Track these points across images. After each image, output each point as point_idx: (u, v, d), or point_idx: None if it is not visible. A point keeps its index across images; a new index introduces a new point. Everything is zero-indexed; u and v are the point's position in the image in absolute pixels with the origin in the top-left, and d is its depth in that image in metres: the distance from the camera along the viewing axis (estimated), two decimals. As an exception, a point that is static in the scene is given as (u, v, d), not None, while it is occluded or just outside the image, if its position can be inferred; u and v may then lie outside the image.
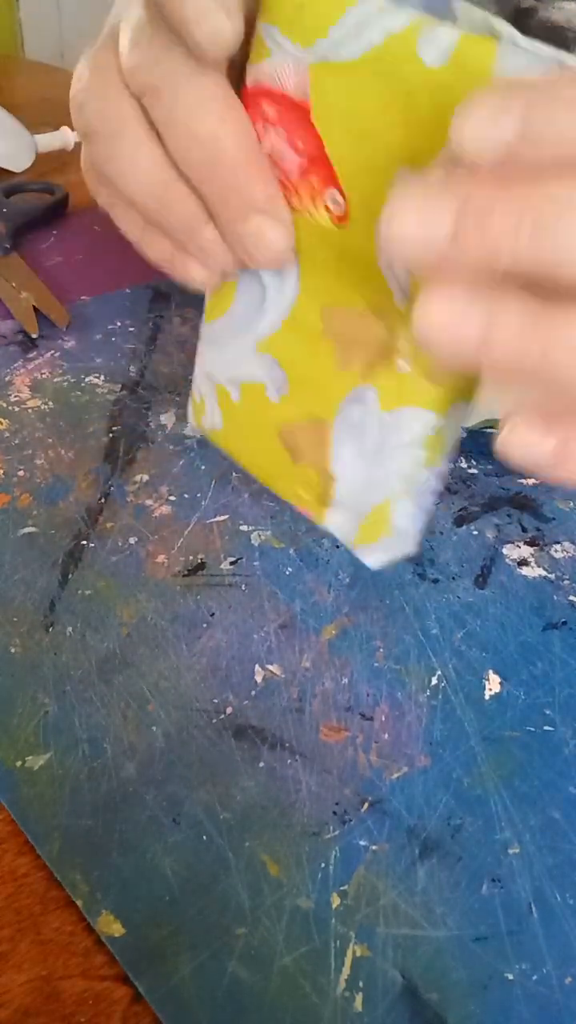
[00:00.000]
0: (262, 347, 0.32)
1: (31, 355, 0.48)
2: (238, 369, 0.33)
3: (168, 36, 0.27)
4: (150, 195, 0.29)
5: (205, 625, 0.35)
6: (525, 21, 0.47)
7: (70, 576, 0.36)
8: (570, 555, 0.39)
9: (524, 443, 0.23)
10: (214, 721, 0.31)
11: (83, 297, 0.54)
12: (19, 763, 0.30)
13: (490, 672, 0.34)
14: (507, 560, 0.38)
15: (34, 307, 0.51)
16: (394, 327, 0.29)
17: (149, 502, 0.40)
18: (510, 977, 0.25)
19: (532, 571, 0.38)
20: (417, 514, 0.32)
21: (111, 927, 0.26)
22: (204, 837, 0.28)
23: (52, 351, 0.49)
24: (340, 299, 0.30)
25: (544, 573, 0.38)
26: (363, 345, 0.30)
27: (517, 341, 0.21)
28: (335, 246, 0.29)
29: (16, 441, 0.43)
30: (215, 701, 0.32)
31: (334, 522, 0.34)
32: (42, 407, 0.45)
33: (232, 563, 0.37)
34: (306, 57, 0.27)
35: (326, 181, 0.28)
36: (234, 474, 0.41)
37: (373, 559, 0.34)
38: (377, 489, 0.32)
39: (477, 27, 0.24)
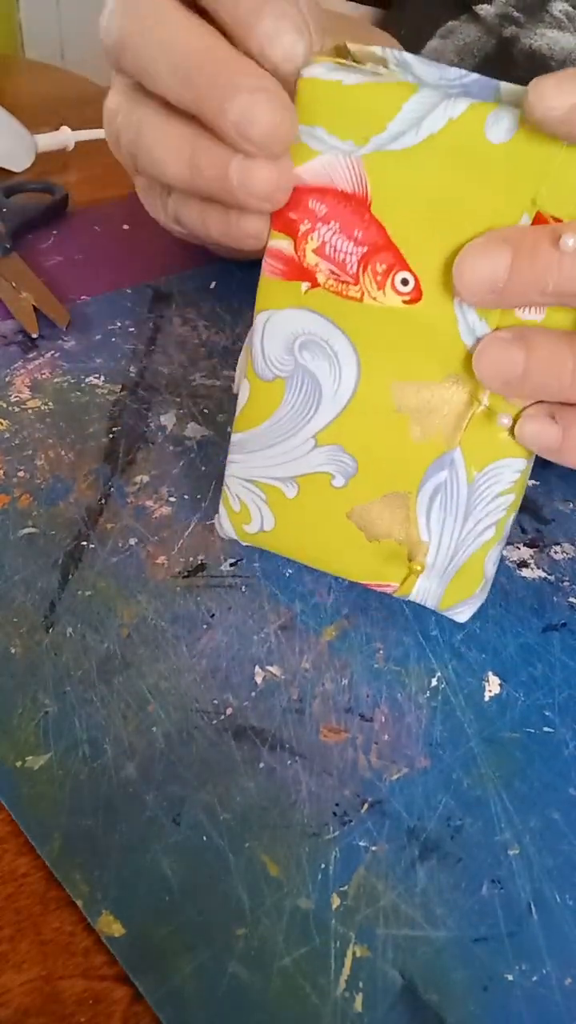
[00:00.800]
0: (324, 439, 0.32)
1: (31, 355, 0.48)
2: (293, 466, 0.33)
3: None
4: (182, 160, 0.29)
5: (205, 626, 0.35)
6: (509, 49, 0.48)
7: (70, 577, 0.36)
8: (570, 556, 0.39)
9: (536, 430, 0.29)
10: (214, 722, 0.31)
11: (83, 297, 0.54)
12: (19, 763, 0.30)
13: (490, 674, 0.34)
14: (507, 562, 0.38)
15: (34, 307, 0.51)
16: (479, 393, 0.30)
17: (149, 503, 0.40)
18: (510, 978, 0.26)
19: (532, 573, 0.38)
20: (499, 557, 0.33)
21: (111, 927, 0.26)
22: (204, 837, 0.28)
23: (52, 351, 0.49)
24: (411, 373, 0.30)
25: (544, 575, 0.38)
26: (443, 414, 0.30)
27: (547, 364, 0.28)
28: (402, 324, 0.29)
29: (16, 442, 0.43)
30: (215, 702, 0.32)
31: (422, 590, 0.34)
32: (42, 407, 0.45)
33: (232, 564, 0.37)
34: (358, 151, 0.27)
35: (393, 266, 0.28)
36: (234, 475, 0.41)
37: (463, 614, 0.34)
38: (469, 544, 0.32)
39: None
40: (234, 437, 0.34)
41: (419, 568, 0.33)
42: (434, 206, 0.27)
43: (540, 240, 0.26)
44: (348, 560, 0.34)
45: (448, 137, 0.26)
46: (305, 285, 0.30)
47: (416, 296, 0.29)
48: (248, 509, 0.35)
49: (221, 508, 0.36)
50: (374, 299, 0.29)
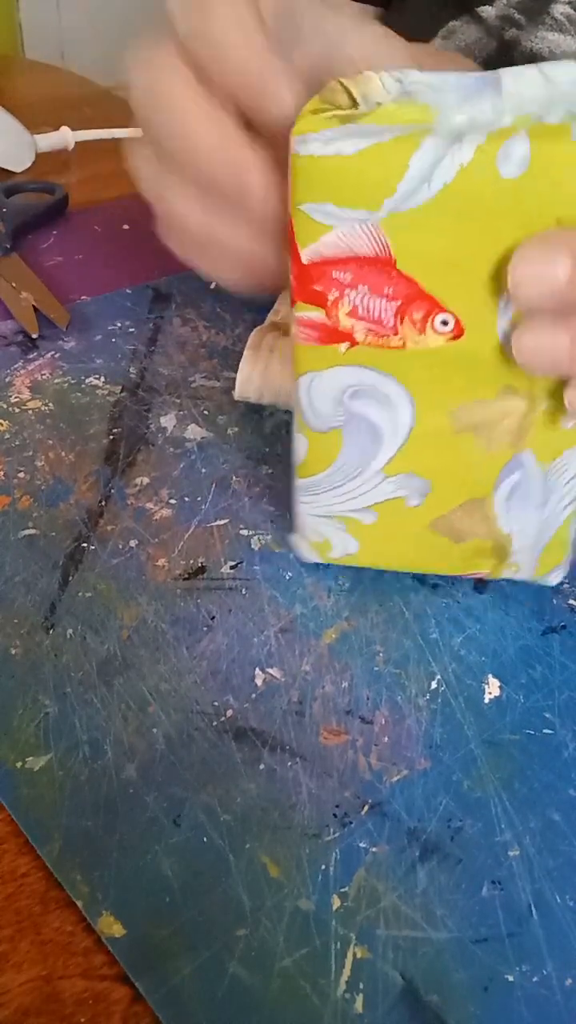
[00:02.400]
0: (391, 470, 0.32)
1: (31, 356, 0.48)
2: (365, 497, 0.34)
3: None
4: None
5: (205, 628, 0.35)
6: (509, 52, 0.48)
7: (70, 578, 0.36)
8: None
9: (540, 343, 0.27)
10: (215, 723, 0.31)
11: (83, 297, 0.54)
12: (20, 764, 0.30)
13: (489, 676, 0.34)
14: (506, 564, 0.38)
15: (34, 307, 0.51)
16: (536, 396, 0.30)
17: (149, 505, 0.40)
18: (510, 979, 0.26)
19: (531, 575, 0.38)
20: None
21: (112, 928, 0.26)
22: (205, 839, 0.28)
23: (52, 352, 0.49)
24: (467, 396, 0.30)
25: (543, 577, 0.38)
26: (504, 425, 0.31)
27: None
28: (449, 359, 0.29)
29: (16, 443, 0.43)
30: (215, 704, 0.32)
31: (513, 570, 0.35)
32: (42, 408, 0.45)
33: (232, 567, 0.37)
34: (374, 216, 0.27)
35: (431, 311, 0.28)
36: (234, 478, 0.41)
37: (555, 578, 0.36)
38: (552, 523, 0.33)
39: (529, 97, 0.25)
40: (299, 482, 0.34)
41: (515, 568, 0.35)
42: (460, 249, 0.27)
43: None
44: (439, 561, 0.36)
45: (462, 184, 0.26)
46: (344, 346, 0.30)
47: (458, 332, 0.29)
48: (329, 539, 0.35)
49: (299, 539, 0.36)
50: (416, 343, 0.29)
